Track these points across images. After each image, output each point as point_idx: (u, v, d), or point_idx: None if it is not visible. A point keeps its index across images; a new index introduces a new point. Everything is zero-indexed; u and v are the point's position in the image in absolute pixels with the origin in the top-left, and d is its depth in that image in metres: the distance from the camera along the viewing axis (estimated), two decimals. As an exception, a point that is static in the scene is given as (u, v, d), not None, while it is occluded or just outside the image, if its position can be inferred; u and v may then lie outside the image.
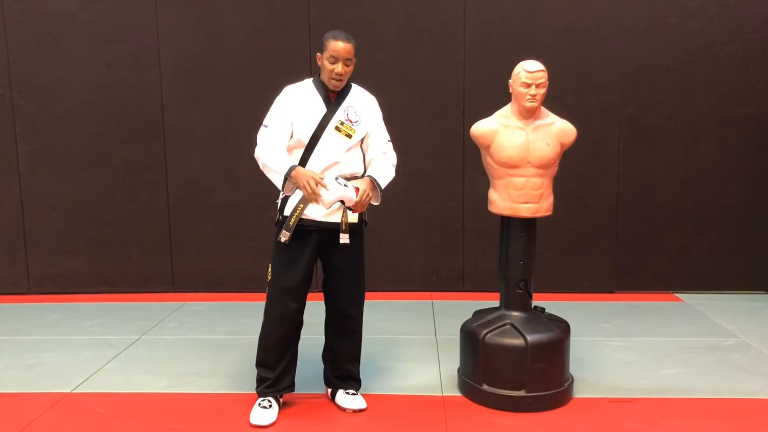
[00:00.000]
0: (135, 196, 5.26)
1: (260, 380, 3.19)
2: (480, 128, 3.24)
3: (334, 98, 3.06)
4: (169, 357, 3.96)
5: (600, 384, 3.49)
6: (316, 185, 2.87)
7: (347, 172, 3.05)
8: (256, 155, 3.05)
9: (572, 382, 3.34)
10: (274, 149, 3.00)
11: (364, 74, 5.19)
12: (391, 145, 3.19)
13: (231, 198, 5.25)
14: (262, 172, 3.07)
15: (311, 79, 3.13)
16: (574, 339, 3.43)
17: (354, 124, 3.04)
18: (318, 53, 3.04)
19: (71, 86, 5.16)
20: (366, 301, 3.30)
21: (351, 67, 3.02)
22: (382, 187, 3.07)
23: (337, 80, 2.99)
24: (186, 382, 3.58)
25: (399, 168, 3.24)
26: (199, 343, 4.20)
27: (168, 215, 5.28)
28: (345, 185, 2.93)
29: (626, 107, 5.10)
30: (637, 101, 5.09)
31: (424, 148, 5.14)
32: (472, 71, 5.09)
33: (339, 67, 2.96)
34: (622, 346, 4.07)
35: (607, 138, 5.12)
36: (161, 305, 5.01)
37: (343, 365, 3.26)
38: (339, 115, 3.03)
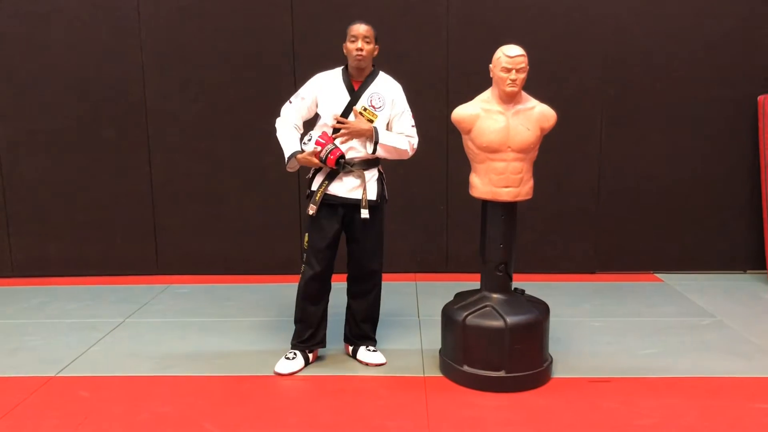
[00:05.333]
0: (119, 180, 5.24)
1: (295, 335, 3.54)
2: (461, 113, 3.25)
3: (357, 86, 3.33)
4: (154, 340, 3.98)
5: (579, 364, 3.55)
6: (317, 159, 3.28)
7: (361, 155, 3.34)
8: (276, 125, 3.45)
9: (551, 362, 3.40)
10: (288, 128, 3.40)
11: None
12: (415, 130, 3.46)
13: (214, 181, 5.24)
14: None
15: (342, 68, 3.40)
16: (554, 319, 3.48)
17: (377, 109, 3.33)
18: (343, 44, 3.31)
19: (54, 70, 5.09)
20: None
21: (372, 46, 3.29)
22: (380, 140, 3.30)
23: (359, 57, 3.25)
24: (171, 364, 3.61)
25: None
26: (184, 325, 4.21)
27: (152, 198, 5.27)
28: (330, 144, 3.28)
29: (608, 89, 5.12)
30: (619, 83, 5.11)
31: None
32: (456, 54, 5.08)
33: (359, 43, 3.23)
34: (602, 326, 4.14)
35: (588, 120, 5.15)
36: (146, 288, 5.01)
37: (358, 324, 3.62)
38: (363, 101, 3.32)
